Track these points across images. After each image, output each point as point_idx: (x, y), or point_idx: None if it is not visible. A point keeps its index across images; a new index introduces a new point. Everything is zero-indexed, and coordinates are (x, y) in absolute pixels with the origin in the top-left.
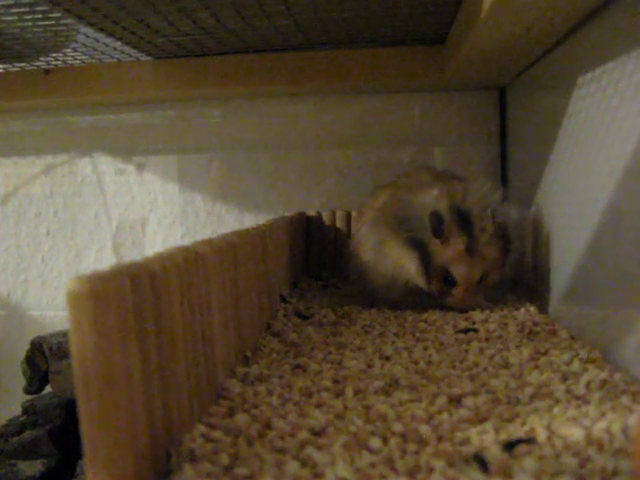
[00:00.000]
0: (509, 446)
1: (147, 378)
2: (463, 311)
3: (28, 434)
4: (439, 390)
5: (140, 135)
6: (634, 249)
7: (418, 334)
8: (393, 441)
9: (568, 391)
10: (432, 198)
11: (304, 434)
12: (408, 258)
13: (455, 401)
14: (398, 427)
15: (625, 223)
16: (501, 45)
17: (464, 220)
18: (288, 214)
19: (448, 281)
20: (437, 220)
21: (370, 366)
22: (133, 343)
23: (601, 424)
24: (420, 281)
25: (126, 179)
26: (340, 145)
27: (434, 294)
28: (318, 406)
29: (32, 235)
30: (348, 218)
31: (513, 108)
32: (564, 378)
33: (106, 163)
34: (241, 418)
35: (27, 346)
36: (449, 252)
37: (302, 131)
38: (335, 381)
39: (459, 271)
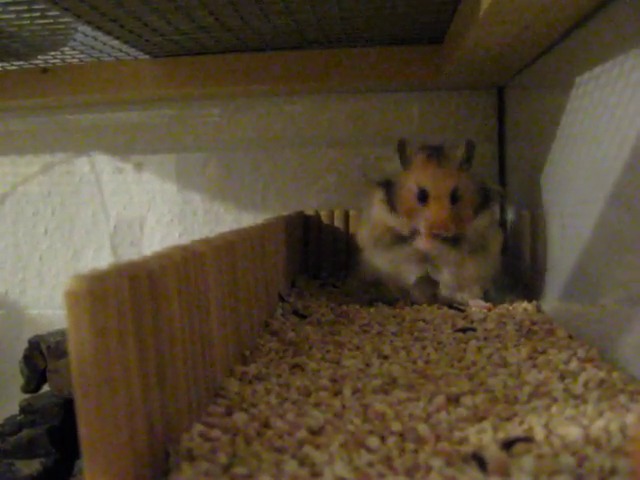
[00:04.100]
0: (507, 445)
1: (145, 377)
2: (437, 237)
3: (26, 433)
4: (437, 389)
5: (138, 134)
6: (632, 248)
7: (416, 333)
8: (391, 440)
9: (566, 390)
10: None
11: (302, 433)
12: (376, 198)
13: (453, 400)
14: (396, 426)
15: (623, 222)
16: (499, 44)
17: (428, 145)
18: (286, 213)
19: (421, 198)
20: (402, 146)
21: (368, 365)
22: (131, 342)
23: (599, 423)
24: (386, 215)
25: (124, 178)
26: (338, 144)
27: (407, 235)
28: (316, 405)
29: (30, 234)
30: (346, 217)
31: (511, 107)
32: (562, 377)
33: (104, 162)
34: (239, 417)
35: (25, 345)
36: (414, 168)
37: (300, 130)
38: (333, 380)
39: (426, 178)
